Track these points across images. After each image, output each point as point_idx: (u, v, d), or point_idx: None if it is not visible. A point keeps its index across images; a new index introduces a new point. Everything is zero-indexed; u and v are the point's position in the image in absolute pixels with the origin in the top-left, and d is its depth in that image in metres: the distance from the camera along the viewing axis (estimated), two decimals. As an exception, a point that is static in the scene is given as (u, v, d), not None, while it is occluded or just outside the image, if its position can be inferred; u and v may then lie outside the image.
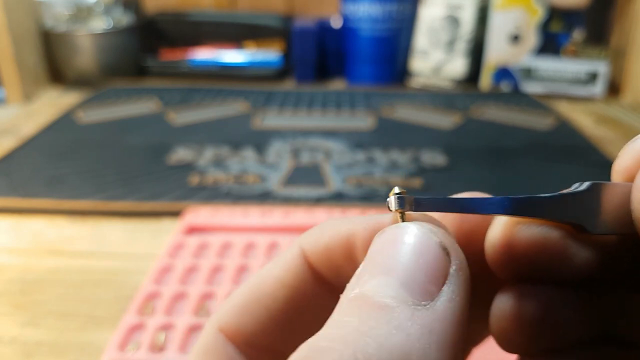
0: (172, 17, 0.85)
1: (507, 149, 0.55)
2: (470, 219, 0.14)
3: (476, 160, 0.52)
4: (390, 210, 0.13)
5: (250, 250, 0.36)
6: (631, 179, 0.12)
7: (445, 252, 0.11)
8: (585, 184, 0.12)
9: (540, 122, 0.63)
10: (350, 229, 0.13)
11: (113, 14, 0.79)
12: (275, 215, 0.40)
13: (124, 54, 0.79)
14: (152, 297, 0.31)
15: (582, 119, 0.66)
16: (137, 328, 0.29)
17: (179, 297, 0.31)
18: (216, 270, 0.34)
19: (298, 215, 0.40)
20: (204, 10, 0.89)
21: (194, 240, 0.37)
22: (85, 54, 0.76)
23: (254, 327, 0.14)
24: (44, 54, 0.76)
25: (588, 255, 0.12)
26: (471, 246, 0.14)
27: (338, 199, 0.44)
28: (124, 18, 0.80)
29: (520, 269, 0.13)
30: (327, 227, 0.14)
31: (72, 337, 0.30)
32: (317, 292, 0.14)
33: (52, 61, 0.77)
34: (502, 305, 0.13)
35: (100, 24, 0.77)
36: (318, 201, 0.44)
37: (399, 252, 0.11)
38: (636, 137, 0.12)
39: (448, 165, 0.51)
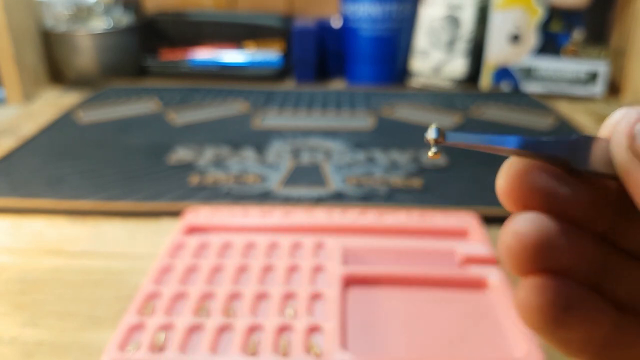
0: (172, 17, 0.85)
1: (507, 149, 0.55)
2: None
3: (476, 160, 0.52)
4: (428, 140, 0.16)
5: (250, 250, 0.36)
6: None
7: None
8: (575, 135, 0.15)
9: (540, 122, 0.63)
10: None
11: (113, 14, 0.79)
12: (275, 215, 0.40)
13: (124, 54, 0.79)
14: (152, 297, 0.31)
15: (582, 118, 0.66)
16: (137, 328, 0.29)
17: (179, 297, 0.31)
18: (216, 270, 0.34)
19: (298, 215, 0.40)
20: (204, 10, 0.89)
21: (194, 240, 0.37)
22: (85, 54, 0.76)
23: None
24: (44, 54, 0.76)
25: (571, 191, 0.15)
26: None
27: (338, 198, 0.44)
28: (124, 18, 0.80)
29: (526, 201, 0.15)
30: None
31: (72, 337, 0.30)
32: None
33: (52, 61, 0.77)
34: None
35: (100, 24, 0.77)
36: (318, 201, 0.44)
37: None
38: (630, 108, 0.14)
39: (448, 165, 0.51)
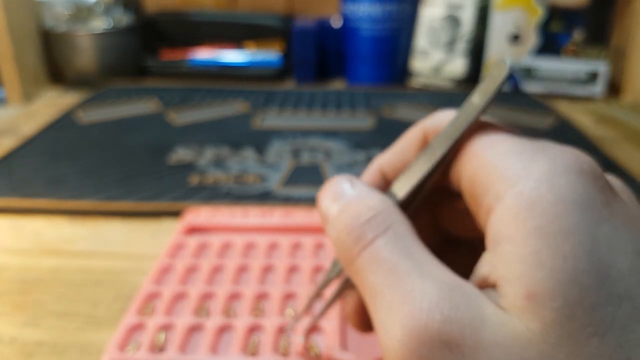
0: (172, 17, 0.85)
1: (507, 149, 0.55)
2: None
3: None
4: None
5: (250, 250, 0.36)
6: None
7: None
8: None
9: (540, 122, 0.63)
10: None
11: (113, 14, 0.79)
12: (275, 215, 0.40)
13: (124, 54, 0.79)
14: (152, 297, 0.31)
15: (582, 119, 0.66)
16: (137, 328, 0.29)
17: (179, 297, 0.31)
18: (216, 270, 0.34)
19: (298, 215, 0.40)
20: (204, 10, 0.89)
21: (194, 240, 0.37)
22: (85, 54, 0.76)
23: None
24: (44, 54, 0.76)
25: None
26: None
27: (338, 199, 0.44)
28: (124, 18, 0.80)
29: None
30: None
31: (72, 337, 0.30)
32: None
33: (52, 61, 0.77)
34: None
35: (100, 24, 0.77)
36: (318, 201, 0.44)
37: None
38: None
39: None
